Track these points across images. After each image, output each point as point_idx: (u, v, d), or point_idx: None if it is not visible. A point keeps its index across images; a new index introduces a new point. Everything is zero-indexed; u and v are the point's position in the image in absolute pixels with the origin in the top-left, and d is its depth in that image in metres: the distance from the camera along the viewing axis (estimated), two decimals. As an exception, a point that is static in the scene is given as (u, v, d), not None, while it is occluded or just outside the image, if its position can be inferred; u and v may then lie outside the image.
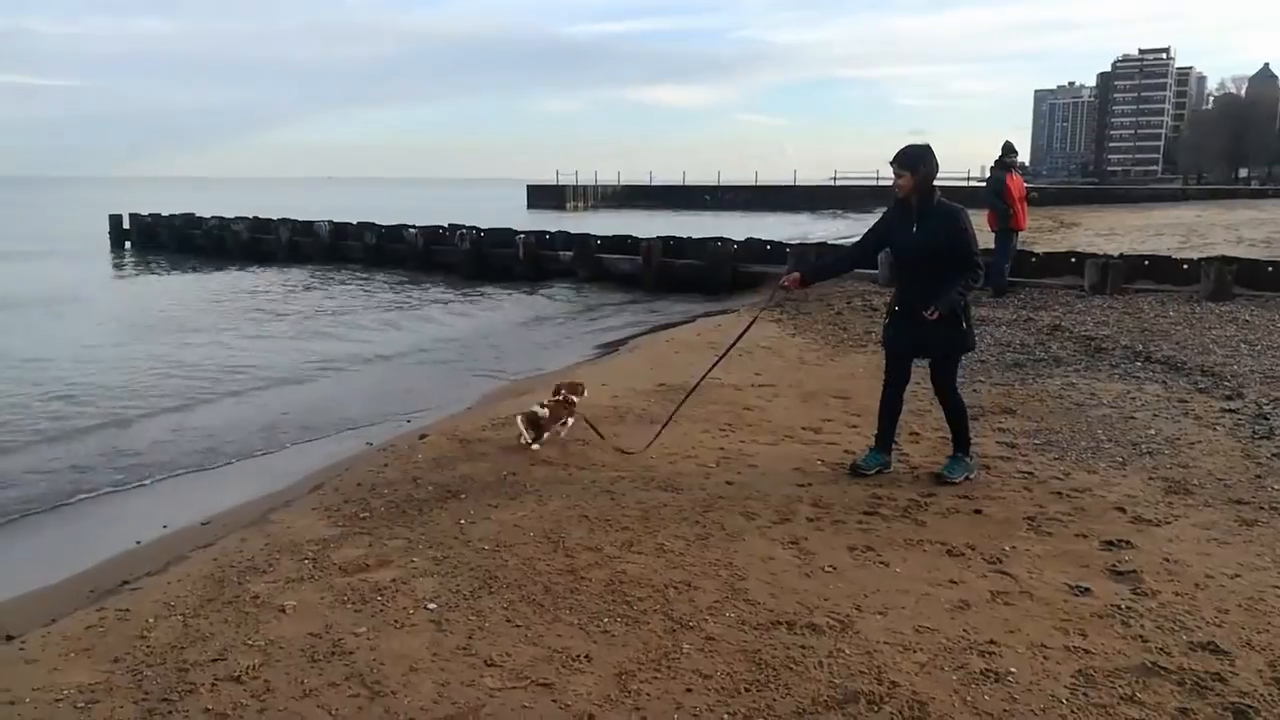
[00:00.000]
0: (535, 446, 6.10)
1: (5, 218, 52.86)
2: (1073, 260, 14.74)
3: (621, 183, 78.96)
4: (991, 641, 3.53)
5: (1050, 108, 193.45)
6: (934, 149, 5.35)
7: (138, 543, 5.23)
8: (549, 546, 4.46)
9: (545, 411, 6.22)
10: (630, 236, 20.13)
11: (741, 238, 18.50)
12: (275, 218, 27.59)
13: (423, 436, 6.67)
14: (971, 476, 5.44)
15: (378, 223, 24.44)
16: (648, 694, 3.19)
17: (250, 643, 3.54)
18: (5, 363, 11.22)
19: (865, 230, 5.80)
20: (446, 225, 23.10)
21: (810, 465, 5.80)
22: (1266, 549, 4.40)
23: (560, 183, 73.73)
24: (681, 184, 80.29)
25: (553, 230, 21.75)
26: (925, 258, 5.32)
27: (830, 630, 3.63)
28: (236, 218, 28.72)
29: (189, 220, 29.95)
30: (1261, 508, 4.94)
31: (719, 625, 3.67)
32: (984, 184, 16.69)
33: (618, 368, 9.51)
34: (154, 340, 13.12)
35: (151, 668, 3.38)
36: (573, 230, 21.42)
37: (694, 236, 19.28)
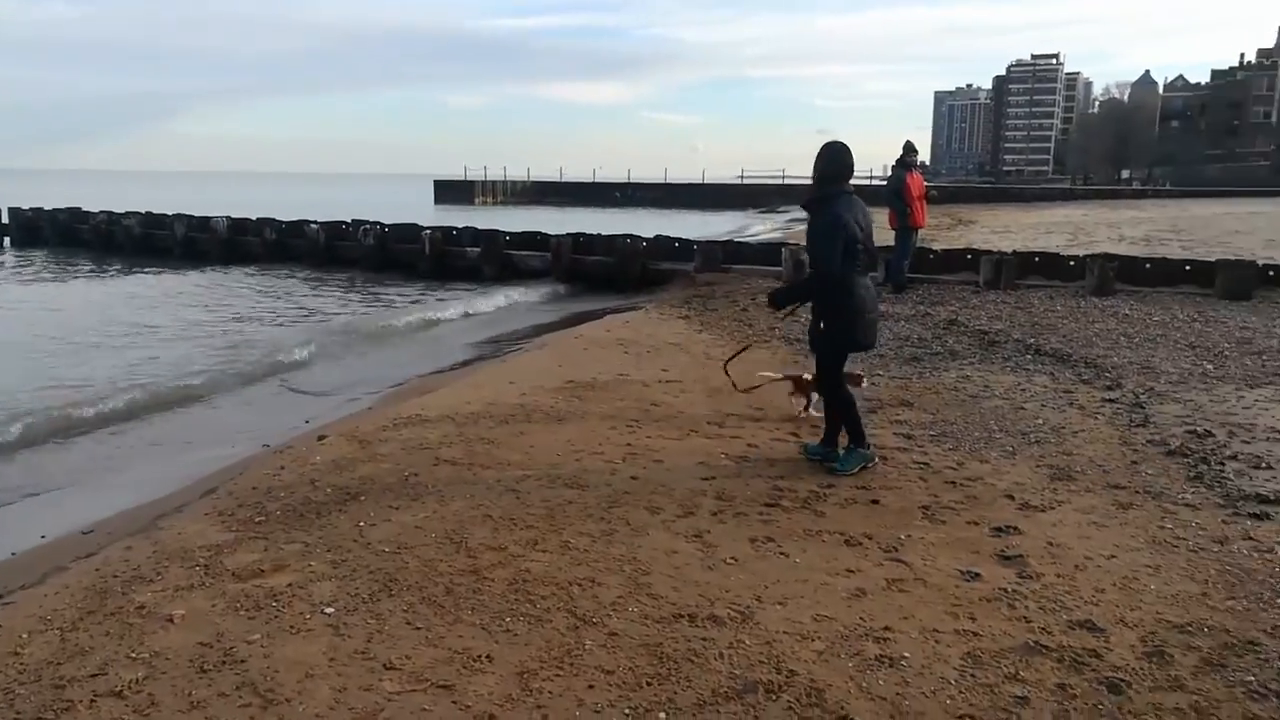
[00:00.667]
0: (809, 413, 6.67)
1: None
2: (969, 257, 15.25)
3: (531, 179, 78.49)
4: (886, 628, 3.63)
5: (949, 109, 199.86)
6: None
7: (13, 554, 4.97)
8: (451, 547, 4.41)
9: (809, 377, 6.55)
10: (540, 233, 20.03)
11: (653, 235, 18.61)
12: (170, 213, 26.56)
13: (321, 438, 6.52)
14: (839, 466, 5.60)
15: (278, 218, 23.75)
16: (550, 692, 3.18)
17: (134, 655, 3.40)
18: None
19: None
20: (350, 221, 22.59)
21: (714, 459, 5.87)
22: (1140, 530, 4.63)
23: (469, 178, 72.88)
24: (592, 181, 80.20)
25: (460, 226, 21.47)
26: (810, 254, 5.72)
27: (731, 621, 3.68)
28: (127, 212, 27.49)
29: (75, 215, 28.51)
30: (1136, 492, 5.20)
31: (622, 620, 3.69)
32: (885, 183, 17.13)
33: (525, 365, 9.45)
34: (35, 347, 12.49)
35: (25, 686, 3.22)
36: (481, 226, 21.19)
37: (604, 233, 19.29)
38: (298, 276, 20.46)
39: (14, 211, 29.35)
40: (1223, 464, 5.64)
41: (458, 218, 29.32)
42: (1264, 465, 5.61)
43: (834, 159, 5.47)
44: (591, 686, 3.21)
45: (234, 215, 24.95)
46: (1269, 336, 9.98)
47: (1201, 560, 4.26)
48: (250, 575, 4.09)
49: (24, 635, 3.59)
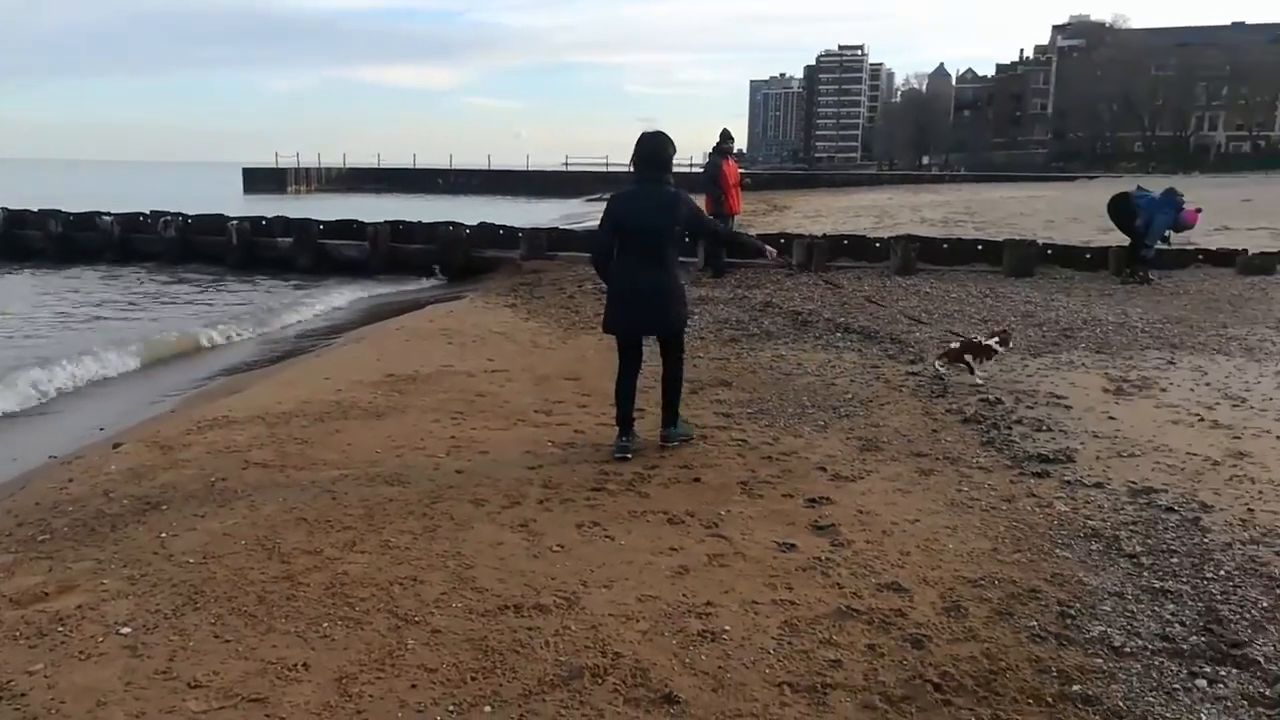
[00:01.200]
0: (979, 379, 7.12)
1: None
2: (782, 241, 15.84)
3: (348, 166, 75.73)
4: (708, 603, 3.73)
5: (764, 97, 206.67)
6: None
7: None
8: (263, 554, 4.19)
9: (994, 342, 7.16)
10: (356, 221, 19.35)
11: (475, 222, 18.33)
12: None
13: (117, 445, 6.05)
14: None
15: (64, 209, 21.80)
16: (370, 695, 3.08)
17: (-108, 698, 3.06)
18: None
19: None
20: (148, 212, 21.07)
21: (541, 447, 5.85)
22: (940, 495, 4.96)
23: (281, 166, 69.54)
24: (413, 167, 78.20)
25: (270, 215, 20.45)
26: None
27: (557, 609, 3.68)
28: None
29: None
30: (937, 458, 5.56)
31: (445, 617, 3.62)
32: (702, 170, 17.55)
33: (342, 360, 9.11)
34: None
35: None
36: (293, 215, 20.26)
37: (425, 221, 18.84)
38: (96, 271, 18.90)
39: None
40: (1010, 428, 6.12)
41: (269, 207, 27.96)
42: (1044, 428, 6.12)
43: (635, 150, 5.65)
44: (414, 686, 3.14)
45: (11, 207, 22.71)
46: (1048, 310, 10.91)
47: (993, 519, 4.61)
48: (32, 600, 3.75)
49: None
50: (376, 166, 78.31)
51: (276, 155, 71.76)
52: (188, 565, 4.07)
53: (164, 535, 4.40)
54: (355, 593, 3.81)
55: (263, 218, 20.28)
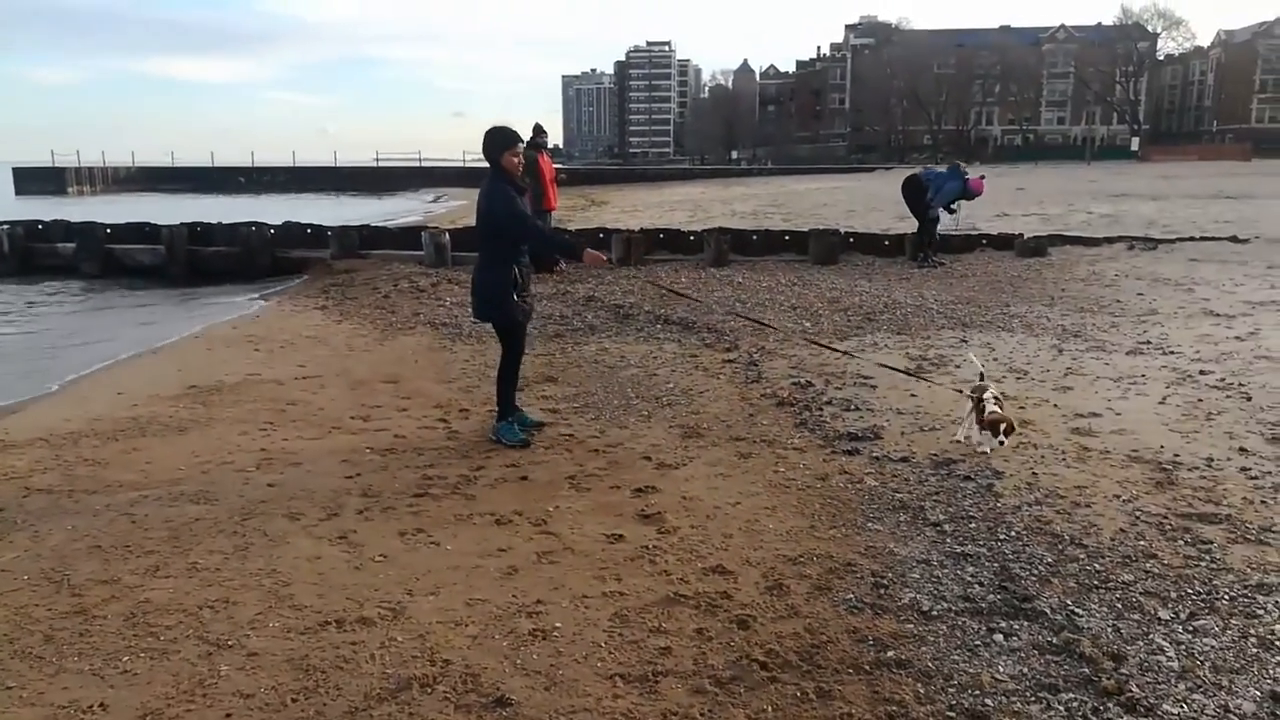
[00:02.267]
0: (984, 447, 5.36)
1: None
2: (601, 236, 15.97)
3: (138, 164, 70.51)
4: (539, 601, 3.71)
5: (577, 93, 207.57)
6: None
7: None
8: (50, 588, 3.84)
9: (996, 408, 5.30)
10: (149, 224, 17.99)
11: (280, 221, 17.45)
12: None
13: None
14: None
15: None
16: (180, 731, 2.88)
17: None
18: None
19: (518, 204, 5.70)
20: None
21: (359, 455, 5.64)
22: (759, 476, 5.14)
23: (58, 165, 63.84)
24: (211, 165, 73.74)
25: (48, 219, 18.71)
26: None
27: (382, 620, 3.57)
28: None
29: None
30: (755, 441, 5.76)
31: (262, 639, 3.43)
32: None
33: (137, 372, 8.46)
34: None
35: None
36: (75, 219, 18.62)
37: (226, 221, 17.77)
38: None
39: None
40: (821, 409, 6.41)
41: (47, 209, 25.62)
42: (852, 407, 6.46)
43: (486, 139, 5.69)
44: (229, 715, 2.96)
45: None
46: (852, 294, 11.51)
47: (809, 497, 4.82)
48: None
49: None
50: (171, 165, 73.25)
51: (53, 154, 65.77)
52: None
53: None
54: (160, 621, 3.56)
55: (39, 221, 18.52)
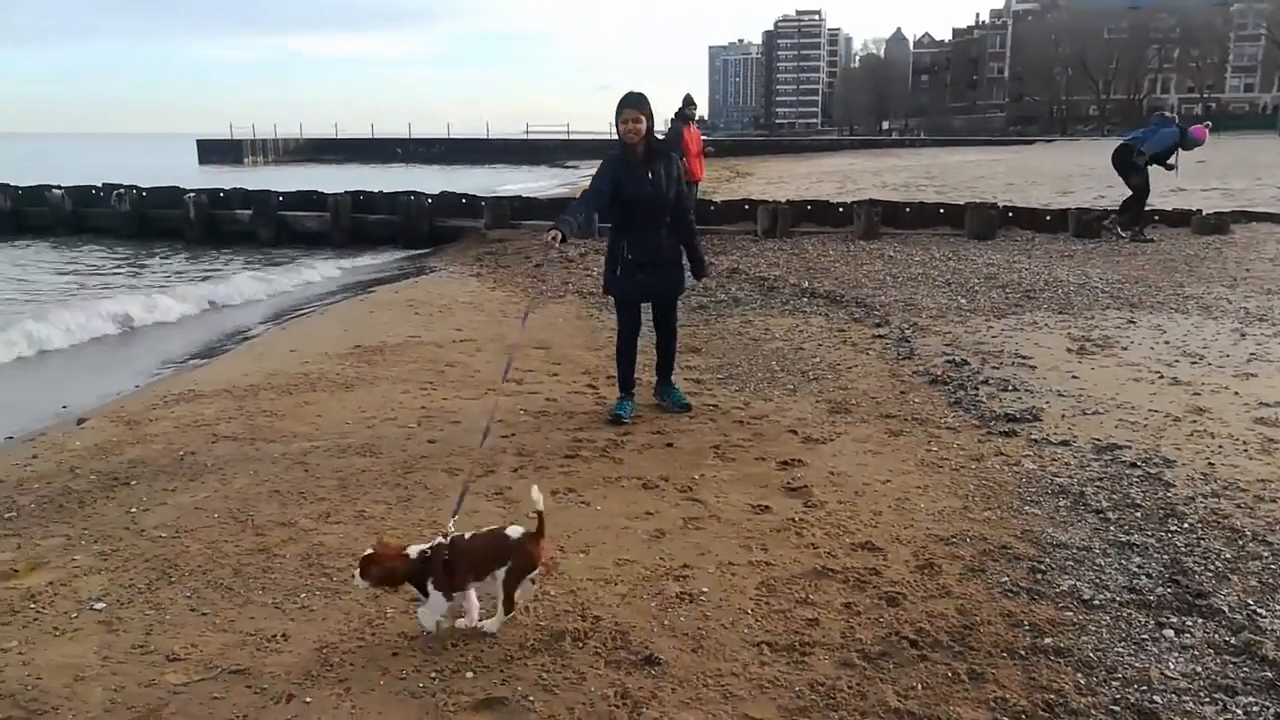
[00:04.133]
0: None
1: None
2: (746, 207, 15.87)
3: (305, 136, 74.38)
4: (685, 566, 3.77)
5: (724, 63, 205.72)
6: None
7: None
8: (236, 527, 4.16)
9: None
10: (316, 192, 19.03)
11: (437, 191, 18.13)
12: None
13: (81, 422, 5.95)
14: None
15: (13, 184, 21.19)
16: (352, 664, 3.08)
17: None
18: None
19: (594, 178, 5.59)
20: (100, 185, 20.54)
21: (514, 416, 5.83)
22: (910, 455, 5.03)
23: (236, 137, 68.07)
24: (371, 137, 77.05)
25: (229, 187, 20.04)
26: (659, 204, 5.44)
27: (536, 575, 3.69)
28: None
29: None
30: (905, 420, 5.63)
31: (425, 585, 3.61)
32: (662, 137, 17.42)
33: (308, 332, 9.00)
34: None
35: None
36: (252, 187, 19.87)
37: (385, 191, 18.59)
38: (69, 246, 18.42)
39: None
40: (977, 389, 6.20)
41: (226, 179, 27.39)
42: (1010, 388, 6.22)
43: (650, 104, 5.52)
44: (395, 654, 3.14)
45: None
46: (1010, 271, 11.04)
47: (962, 477, 4.69)
48: (1, 578, 3.69)
49: None
50: (335, 137, 76.95)
51: (231, 126, 70.18)
52: (160, 540, 4.03)
53: (134, 510, 4.35)
54: (332, 563, 3.80)
55: (221, 190, 19.86)
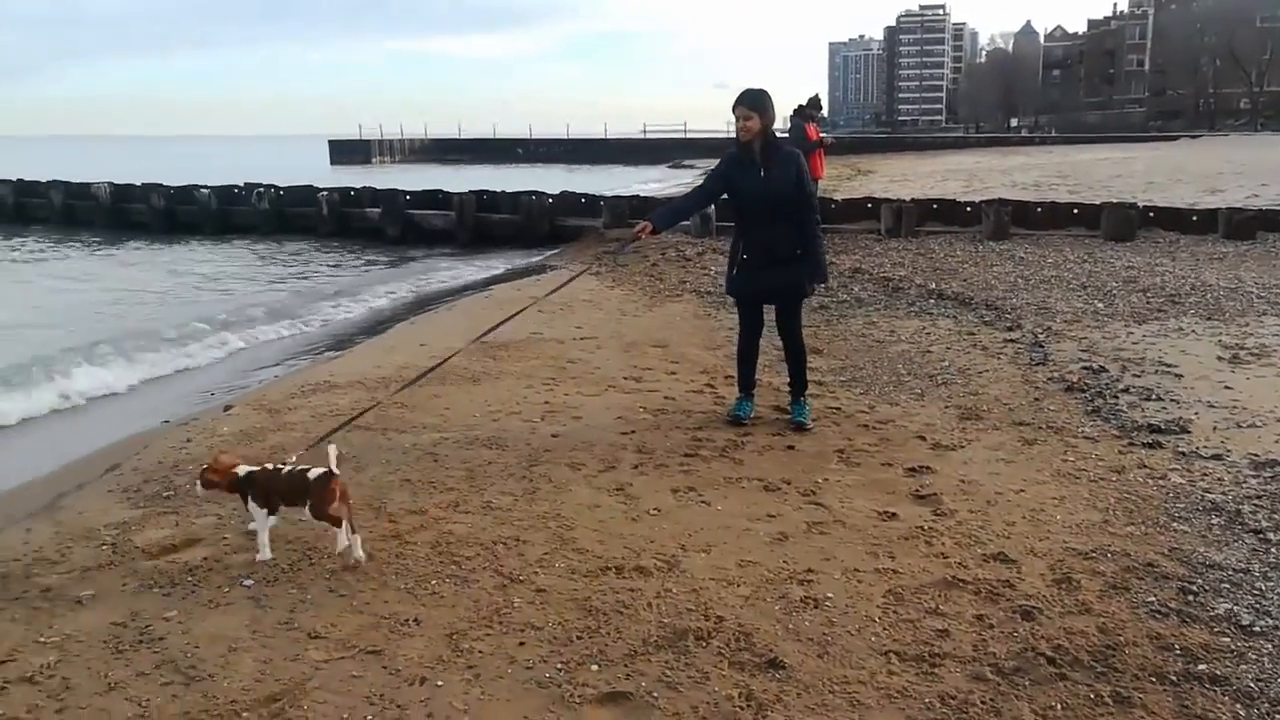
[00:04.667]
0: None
1: None
2: (869, 206, 15.56)
3: (430, 136, 76.73)
4: (809, 570, 3.72)
5: (844, 60, 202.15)
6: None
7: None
8: (370, 513, 4.32)
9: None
10: (441, 191, 19.62)
11: (557, 191, 18.43)
12: (44, 180, 24.90)
13: (228, 408, 6.29)
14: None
15: (166, 184, 22.58)
16: (480, 651, 3.16)
17: (43, 639, 3.25)
18: None
19: (707, 176, 5.63)
20: (242, 184, 21.70)
21: (633, 413, 5.88)
22: (1045, 464, 4.83)
23: (364, 137, 70.77)
24: (493, 137, 78.91)
25: (358, 186, 20.86)
26: (774, 203, 5.32)
27: (658, 571, 3.71)
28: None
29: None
30: (1040, 428, 5.41)
31: (549, 577, 3.68)
32: (785, 134, 17.22)
33: (436, 326, 9.28)
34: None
35: (-75, 679, 3.04)
36: (380, 186, 20.63)
37: (508, 190, 19.01)
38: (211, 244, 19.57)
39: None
40: (1117, 397, 5.91)
41: (356, 178, 28.48)
42: (1154, 397, 5.90)
43: (771, 102, 5.38)
44: (522, 643, 3.20)
45: (116, 181, 23.59)
46: (1151, 274, 10.48)
47: (1102, 490, 4.47)
48: (162, 552, 3.93)
49: (-82, 628, 3.39)
50: (458, 137, 79.12)
51: (360, 127, 73.00)
52: (300, 522, 4.20)
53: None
54: (461, 552, 3.90)
55: (351, 189, 20.70)
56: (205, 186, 21.80)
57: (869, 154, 51.14)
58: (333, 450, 3.87)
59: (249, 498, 3.82)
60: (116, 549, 3.99)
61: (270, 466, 3.91)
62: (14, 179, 25.66)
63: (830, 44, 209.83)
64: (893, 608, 3.41)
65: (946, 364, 6.91)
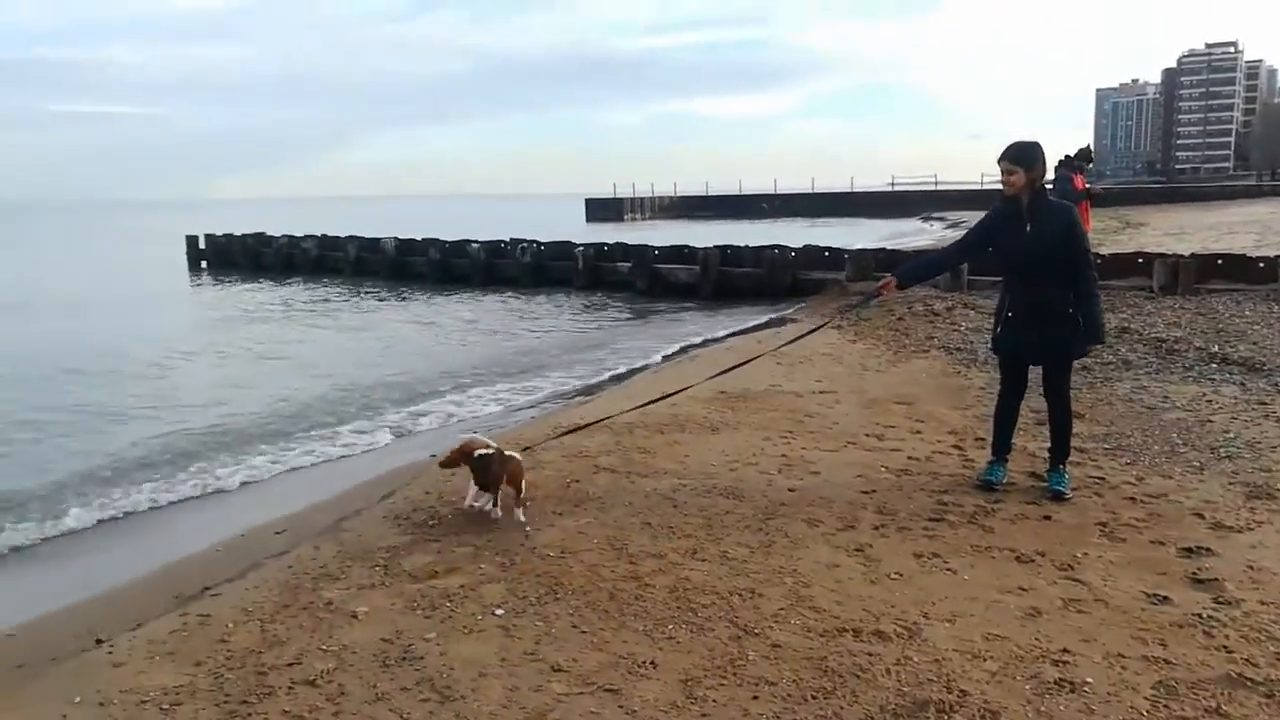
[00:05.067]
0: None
1: (87, 244, 54.56)
2: (1140, 261, 14.39)
3: (679, 194, 79.19)
4: (1065, 650, 3.46)
5: (1113, 106, 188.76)
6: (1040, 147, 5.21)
7: (217, 550, 5.40)
8: (613, 553, 4.48)
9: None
10: (688, 246, 20.20)
11: (800, 245, 18.46)
12: (342, 235, 28.03)
13: (487, 446, 6.76)
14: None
15: (441, 238, 24.76)
16: (714, 700, 3.18)
17: (325, 648, 3.62)
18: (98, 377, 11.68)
19: (969, 230, 5.53)
20: (508, 239, 23.38)
21: (874, 472, 5.74)
22: (1356, 555, 4.23)
23: (618, 195, 74.15)
24: (739, 193, 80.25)
25: (611, 242, 21.90)
26: (1040, 259, 5.09)
27: (897, 637, 3.59)
28: (305, 235, 29.24)
29: (260, 239, 30.33)
30: (1350, 513, 4.76)
31: (784, 632, 3.65)
32: (1051, 186, 16.34)
33: (677, 376, 9.50)
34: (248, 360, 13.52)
35: (232, 671, 3.48)
36: (631, 242, 21.55)
37: (751, 244, 19.27)
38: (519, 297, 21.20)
39: (209, 238, 31.66)
40: None
41: (609, 234, 29.85)
42: None
43: (1041, 155, 5.20)
44: (755, 697, 3.20)
45: (400, 236, 26.15)
46: None
47: None
48: (425, 576, 4.28)
49: (229, 625, 3.88)
50: (705, 194, 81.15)
51: (614, 186, 76.66)
52: (548, 558, 4.44)
53: (528, 529, 4.84)
54: (697, 599, 3.96)
55: (604, 244, 21.78)
56: (475, 241, 23.66)
57: (1140, 205, 47.35)
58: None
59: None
60: (387, 570, 4.39)
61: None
62: (318, 234, 29.09)
63: (1097, 90, 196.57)
64: (1164, 702, 3.10)
65: (1231, 435, 6.23)
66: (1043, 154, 5.18)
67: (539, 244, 22.31)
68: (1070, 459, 5.50)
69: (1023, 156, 5.10)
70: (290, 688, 3.33)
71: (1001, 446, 5.48)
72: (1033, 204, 5.13)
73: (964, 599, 3.93)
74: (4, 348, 14.24)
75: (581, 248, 21.26)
